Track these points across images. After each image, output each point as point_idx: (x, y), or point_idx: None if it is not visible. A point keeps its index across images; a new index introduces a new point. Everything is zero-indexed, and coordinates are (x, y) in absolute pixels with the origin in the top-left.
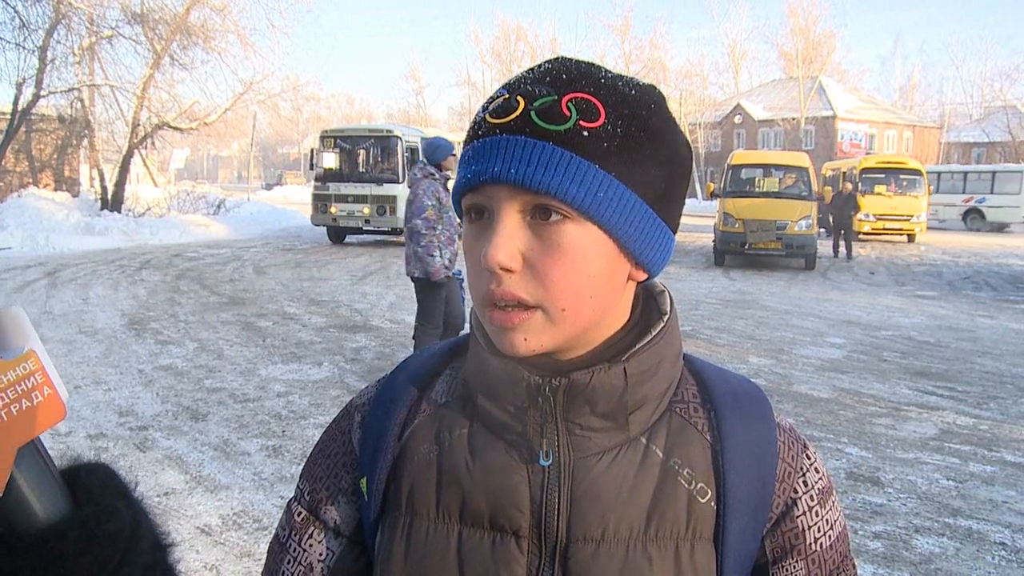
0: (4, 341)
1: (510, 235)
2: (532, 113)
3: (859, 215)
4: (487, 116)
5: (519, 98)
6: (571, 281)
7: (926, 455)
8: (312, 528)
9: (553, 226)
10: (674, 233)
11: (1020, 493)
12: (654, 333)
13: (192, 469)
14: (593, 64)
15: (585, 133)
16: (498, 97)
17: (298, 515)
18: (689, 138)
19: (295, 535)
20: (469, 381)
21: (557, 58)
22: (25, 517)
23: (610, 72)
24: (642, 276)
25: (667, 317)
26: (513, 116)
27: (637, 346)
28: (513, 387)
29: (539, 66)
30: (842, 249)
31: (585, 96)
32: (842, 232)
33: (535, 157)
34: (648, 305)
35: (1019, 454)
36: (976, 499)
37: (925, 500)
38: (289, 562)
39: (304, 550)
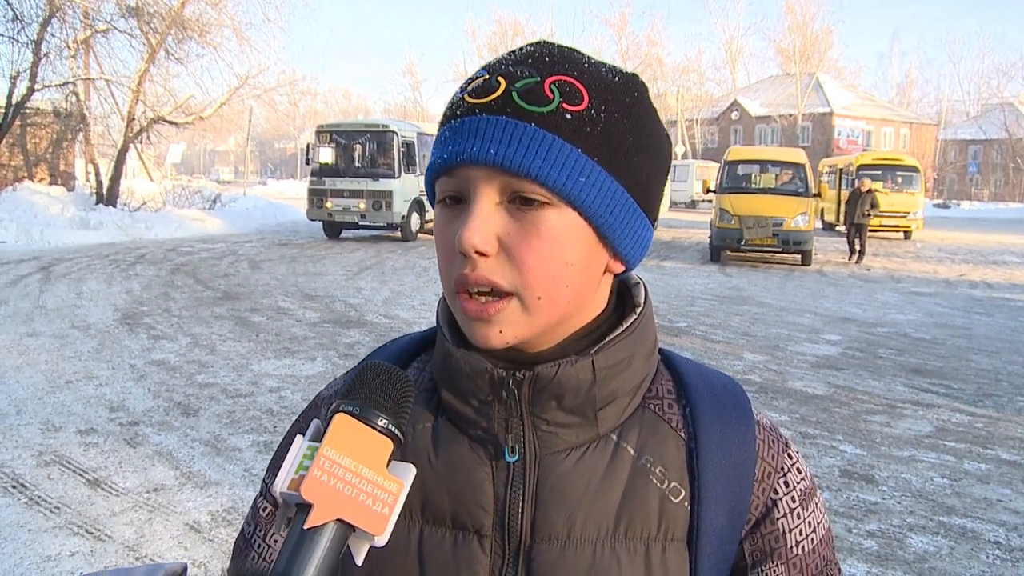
0: (396, 470)
1: (486, 218)
2: (514, 93)
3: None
4: (466, 96)
5: (500, 79)
6: (548, 267)
7: (921, 453)
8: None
9: (531, 210)
10: (653, 226)
11: (1015, 491)
12: (625, 325)
13: (182, 465)
14: (575, 49)
15: (568, 116)
16: (478, 78)
17: (263, 510)
18: (686, 134)
19: (260, 531)
20: (434, 374)
21: (539, 41)
22: (301, 569)
23: (592, 58)
24: (620, 268)
25: (640, 309)
26: (494, 96)
27: (607, 339)
28: (476, 380)
29: (520, 49)
30: (857, 246)
31: (568, 79)
32: (857, 232)
33: (516, 138)
34: (624, 298)
35: (1014, 452)
36: (971, 497)
37: (920, 498)
38: (254, 558)
39: (269, 546)
